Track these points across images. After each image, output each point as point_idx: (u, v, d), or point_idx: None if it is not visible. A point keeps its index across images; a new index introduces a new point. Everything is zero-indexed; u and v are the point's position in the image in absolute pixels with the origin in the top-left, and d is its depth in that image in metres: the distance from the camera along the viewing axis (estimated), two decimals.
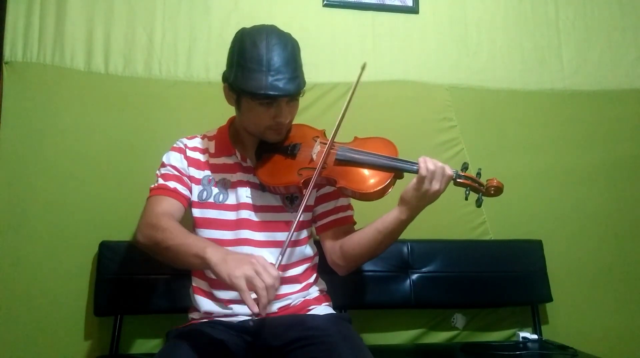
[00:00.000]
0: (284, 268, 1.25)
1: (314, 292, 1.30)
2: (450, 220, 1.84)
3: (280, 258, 1.06)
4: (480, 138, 1.89)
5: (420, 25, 1.92)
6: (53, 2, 1.66)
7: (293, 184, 1.21)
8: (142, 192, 1.28)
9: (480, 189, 1.17)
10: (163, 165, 1.29)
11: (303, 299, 1.26)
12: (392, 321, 1.77)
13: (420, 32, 1.92)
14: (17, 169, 1.58)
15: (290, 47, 1.21)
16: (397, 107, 1.85)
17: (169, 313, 1.54)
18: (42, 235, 1.57)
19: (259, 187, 1.27)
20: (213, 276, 1.21)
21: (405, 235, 1.67)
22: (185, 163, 1.29)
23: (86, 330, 1.58)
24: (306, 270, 1.30)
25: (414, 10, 1.92)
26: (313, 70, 1.75)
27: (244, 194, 1.26)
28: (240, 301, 1.18)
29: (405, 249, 1.73)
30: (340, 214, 1.32)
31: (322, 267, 1.36)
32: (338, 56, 1.84)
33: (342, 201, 1.33)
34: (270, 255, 1.21)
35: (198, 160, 1.30)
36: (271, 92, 1.15)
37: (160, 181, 1.26)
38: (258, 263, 0.95)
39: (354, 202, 1.35)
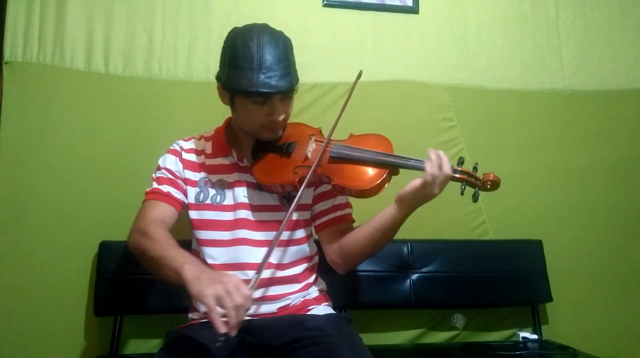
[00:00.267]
0: (283, 266, 1.25)
1: (314, 292, 1.30)
2: (450, 220, 1.84)
3: (256, 276, 1.06)
4: (480, 138, 1.89)
5: (420, 25, 1.92)
6: (53, 2, 1.66)
7: (288, 182, 1.21)
8: (142, 192, 1.28)
9: (476, 184, 1.16)
10: (158, 168, 1.30)
11: (303, 299, 1.26)
12: (392, 321, 1.77)
13: (420, 32, 1.92)
14: (17, 169, 1.58)
15: (282, 45, 1.21)
16: (397, 107, 1.85)
17: (168, 313, 1.54)
18: (42, 235, 1.57)
19: (255, 187, 1.27)
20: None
21: (405, 234, 1.69)
22: (180, 165, 1.29)
23: (86, 330, 1.58)
24: (305, 269, 1.29)
25: (414, 10, 1.92)
26: (313, 70, 1.77)
27: (241, 194, 1.26)
28: None
29: (405, 249, 1.73)
30: (339, 213, 1.32)
31: (322, 267, 1.36)
32: (338, 56, 1.84)
33: (339, 200, 1.33)
34: (267, 254, 1.22)
35: (194, 162, 1.30)
36: (262, 90, 1.15)
37: (155, 184, 1.27)
38: (230, 282, 0.92)
39: (352, 199, 1.34)
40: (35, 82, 1.62)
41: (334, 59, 1.84)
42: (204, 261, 1.23)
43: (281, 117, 1.23)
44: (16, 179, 1.58)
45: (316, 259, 1.35)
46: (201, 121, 1.46)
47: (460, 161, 1.19)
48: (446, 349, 1.72)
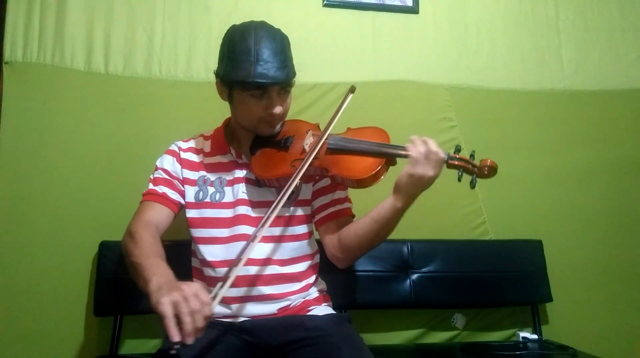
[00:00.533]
0: (283, 262, 1.25)
1: (314, 293, 1.30)
2: (450, 220, 1.84)
3: (219, 286, 1.03)
4: (480, 138, 1.89)
5: (420, 25, 1.92)
6: (53, 2, 1.66)
7: (286, 175, 1.20)
8: (141, 192, 1.28)
9: (473, 170, 1.14)
10: (156, 169, 1.30)
11: (303, 300, 1.26)
12: (392, 321, 1.77)
13: (420, 32, 1.92)
14: (17, 169, 1.58)
15: (279, 40, 1.23)
16: (397, 107, 1.85)
17: None
18: (42, 235, 1.57)
19: (254, 183, 1.27)
20: (212, 274, 1.22)
21: (405, 234, 1.70)
22: (178, 166, 1.30)
23: (86, 330, 1.58)
24: (306, 268, 1.29)
25: (414, 10, 1.92)
26: (313, 70, 1.77)
27: (240, 190, 1.27)
28: (240, 300, 1.20)
29: (405, 249, 1.73)
30: (338, 207, 1.31)
31: (322, 267, 1.36)
32: (338, 56, 1.84)
33: (339, 194, 1.32)
34: (267, 250, 1.23)
35: (192, 161, 1.31)
36: (259, 80, 1.16)
37: (151, 185, 1.27)
38: (189, 289, 0.89)
39: (352, 196, 1.34)
40: (35, 82, 1.62)
41: (334, 59, 1.84)
42: (204, 260, 1.24)
43: (279, 110, 1.23)
44: (16, 179, 1.58)
45: (317, 259, 1.35)
46: (201, 121, 1.46)
47: (457, 149, 1.19)
48: (446, 349, 1.72)
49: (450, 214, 1.83)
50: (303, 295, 1.27)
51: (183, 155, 1.31)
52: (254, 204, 1.26)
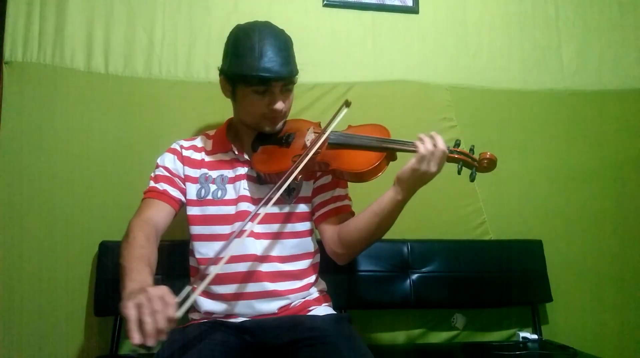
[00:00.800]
0: (283, 259, 1.25)
1: (314, 293, 1.30)
2: (450, 220, 1.84)
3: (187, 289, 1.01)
4: (480, 138, 1.88)
5: (420, 25, 1.92)
6: (53, 2, 1.66)
7: (286, 170, 1.20)
8: (141, 192, 1.28)
9: (473, 164, 1.16)
10: (157, 166, 1.31)
11: (303, 300, 1.26)
12: (392, 321, 1.76)
13: (420, 32, 1.92)
14: (16, 169, 1.58)
15: (283, 39, 1.26)
16: (397, 107, 1.85)
17: None
18: (42, 235, 1.57)
19: (256, 180, 1.28)
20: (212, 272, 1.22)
21: (405, 234, 1.70)
22: (179, 163, 1.30)
23: (86, 330, 1.58)
24: (306, 266, 1.29)
25: (414, 10, 1.92)
26: (313, 70, 1.77)
27: (242, 187, 1.27)
28: (241, 297, 1.20)
29: (405, 249, 1.73)
30: (338, 204, 1.31)
31: (323, 267, 1.36)
32: (338, 56, 1.84)
33: (339, 191, 1.33)
34: (268, 246, 1.23)
35: (194, 159, 1.32)
36: (263, 74, 1.19)
37: (152, 183, 1.28)
38: (154, 291, 0.88)
39: (351, 192, 1.34)
40: (35, 82, 1.62)
41: (334, 59, 1.84)
42: (202, 258, 1.24)
43: (281, 106, 1.24)
44: (16, 179, 1.58)
45: (317, 258, 1.35)
46: (201, 121, 1.46)
47: (457, 143, 1.19)
48: (446, 349, 1.72)
49: (451, 214, 1.83)
50: (303, 295, 1.27)
51: (185, 153, 1.32)
52: (255, 201, 1.26)
